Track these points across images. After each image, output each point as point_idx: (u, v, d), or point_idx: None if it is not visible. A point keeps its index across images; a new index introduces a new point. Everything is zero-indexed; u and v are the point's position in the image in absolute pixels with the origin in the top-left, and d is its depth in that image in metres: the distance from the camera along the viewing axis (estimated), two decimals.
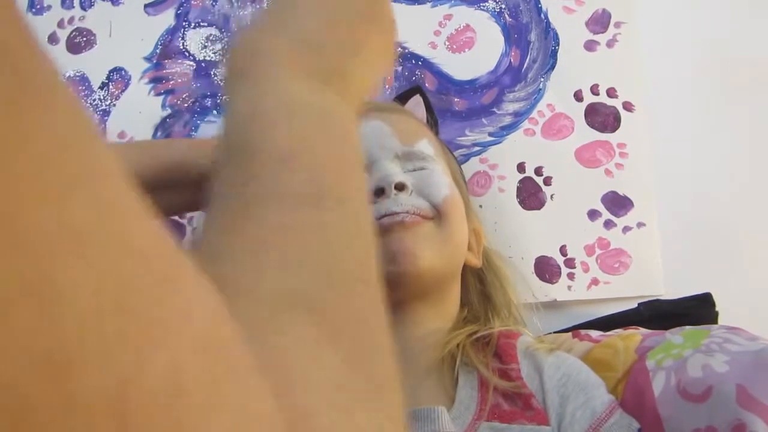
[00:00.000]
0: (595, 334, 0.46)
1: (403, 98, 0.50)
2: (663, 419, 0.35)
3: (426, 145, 0.44)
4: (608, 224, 0.55)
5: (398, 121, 0.44)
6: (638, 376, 0.39)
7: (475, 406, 0.37)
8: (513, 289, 0.46)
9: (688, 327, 0.41)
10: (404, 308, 0.40)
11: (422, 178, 0.42)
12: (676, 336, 0.40)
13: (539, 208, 0.56)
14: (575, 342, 0.46)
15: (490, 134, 0.57)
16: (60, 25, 0.61)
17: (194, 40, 0.61)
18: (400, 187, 0.40)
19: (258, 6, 0.61)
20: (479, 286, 0.45)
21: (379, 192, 0.40)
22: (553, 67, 0.58)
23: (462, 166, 0.55)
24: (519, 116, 0.57)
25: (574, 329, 0.49)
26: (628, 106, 0.57)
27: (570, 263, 0.54)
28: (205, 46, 0.60)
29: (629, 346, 0.41)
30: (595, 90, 0.58)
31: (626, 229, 0.55)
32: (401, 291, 0.38)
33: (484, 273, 0.45)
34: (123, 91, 0.60)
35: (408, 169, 0.42)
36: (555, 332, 0.50)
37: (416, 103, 0.49)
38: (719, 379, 0.34)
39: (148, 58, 0.60)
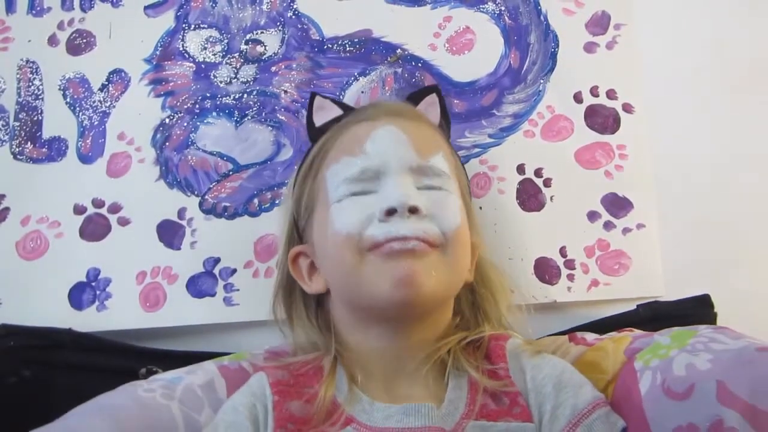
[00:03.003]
0: (590, 337, 0.48)
1: (417, 97, 0.49)
2: (648, 418, 0.36)
3: (442, 160, 0.43)
4: (608, 225, 0.57)
5: (415, 129, 0.43)
6: (626, 376, 0.40)
7: (464, 406, 0.40)
8: (505, 300, 0.46)
9: (676, 328, 0.42)
10: (398, 324, 0.41)
11: (436, 201, 0.41)
12: (663, 337, 0.41)
13: (539, 210, 0.57)
14: (571, 346, 0.47)
15: (490, 136, 0.59)
16: (60, 26, 0.62)
17: (194, 41, 0.62)
18: (414, 210, 0.40)
19: (258, 7, 0.62)
20: (471, 296, 0.46)
21: (391, 211, 0.39)
22: (552, 69, 0.59)
23: None
24: (519, 118, 0.59)
25: (573, 331, 0.51)
26: (627, 108, 0.59)
27: (570, 264, 0.56)
28: (205, 48, 0.62)
29: (618, 348, 0.43)
30: (594, 92, 0.59)
31: (626, 230, 0.56)
32: (400, 314, 0.40)
33: (476, 285, 0.46)
34: (122, 92, 0.61)
35: (422, 185, 0.41)
36: (553, 334, 0.52)
37: (430, 103, 0.49)
38: (701, 376, 0.35)
39: (147, 60, 0.61)
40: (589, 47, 0.60)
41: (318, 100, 0.49)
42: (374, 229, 0.40)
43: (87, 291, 0.57)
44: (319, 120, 0.48)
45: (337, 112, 0.48)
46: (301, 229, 0.46)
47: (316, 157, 0.46)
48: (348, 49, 0.60)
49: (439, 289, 0.40)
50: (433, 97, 0.49)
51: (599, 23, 0.60)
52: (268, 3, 0.62)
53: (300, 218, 0.46)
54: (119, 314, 0.56)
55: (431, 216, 0.40)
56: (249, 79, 0.60)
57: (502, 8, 0.61)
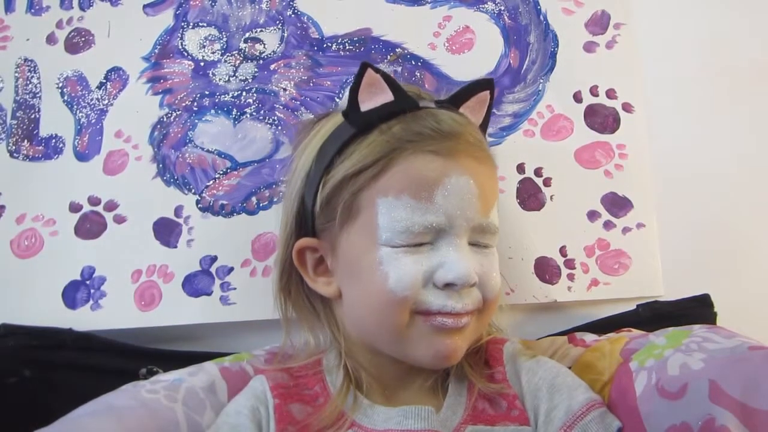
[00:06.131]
0: (589, 338, 0.50)
1: (469, 92, 0.44)
2: (643, 418, 0.38)
3: (496, 215, 0.43)
4: (608, 225, 0.58)
5: (484, 175, 0.42)
6: (622, 377, 0.42)
7: (463, 411, 0.42)
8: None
9: (671, 328, 0.44)
10: None
11: (485, 265, 0.41)
12: (659, 338, 0.44)
13: (539, 209, 0.59)
14: (570, 347, 0.50)
15: (490, 135, 0.61)
16: (59, 25, 0.65)
17: (193, 40, 0.64)
18: (472, 285, 0.40)
19: (257, 6, 0.64)
20: None
21: (449, 285, 0.39)
22: (552, 69, 0.62)
23: None
24: (518, 117, 0.61)
25: (573, 331, 0.52)
26: (627, 107, 0.61)
27: (570, 264, 0.58)
28: (204, 46, 0.64)
29: (615, 349, 0.45)
30: (594, 91, 0.61)
31: (626, 230, 0.58)
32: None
33: None
34: (120, 90, 0.63)
35: (474, 241, 0.41)
36: (553, 334, 0.53)
37: (482, 100, 0.45)
38: (694, 376, 0.37)
39: (146, 58, 0.64)
40: (589, 47, 0.62)
41: (369, 74, 0.42)
42: (429, 295, 0.39)
43: (81, 290, 0.58)
44: (365, 100, 0.42)
45: (387, 96, 0.42)
46: (319, 226, 0.44)
47: (366, 168, 0.41)
48: (347, 47, 0.63)
49: (467, 347, 0.42)
50: (485, 95, 0.45)
51: (599, 23, 0.63)
52: (267, 1, 0.64)
53: (322, 216, 0.43)
54: (113, 313, 0.57)
55: (479, 283, 0.40)
56: (248, 77, 0.62)
57: (502, 8, 0.63)
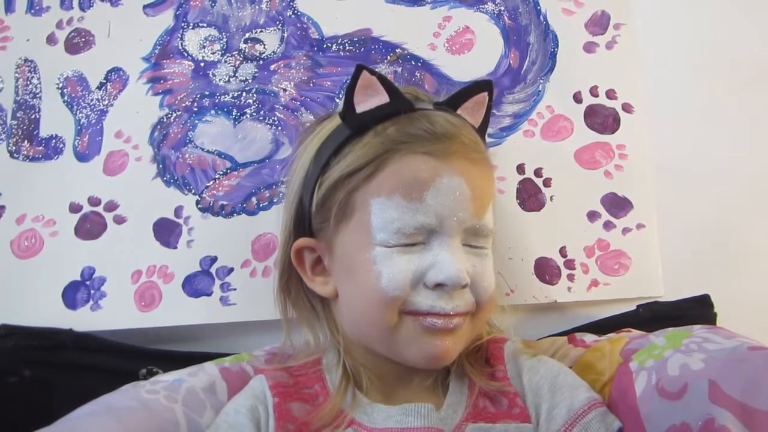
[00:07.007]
0: (589, 338, 0.50)
1: (468, 93, 0.44)
2: (643, 418, 0.38)
3: (491, 217, 0.43)
4: (608, 225, 0.59)
5: (478, 177, 0.42)
6: (623, 377, 0.42)
7: (463, 409, 0.42)
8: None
9: (671, 329, 0.45)
10: None
11: (478, 267, 0.41)
12: (659, 338, 0.44)
13: (539, 210, 0.59)
14: (570, 348, 0.50)
15: (490, 135, 0.61)
16: (59, 26, 0.65)
17: (193, 40, 0.64)
18: (463, 287, 0.40)
19: (257, 6, 0.64)
20: None
21: (440, 285, 0.39)
22: (552, 69, 0.62)
23: None
24: (518, 118, 0.61)
25: (573, 332, 0.52)
26: (627, 108, 0.61)
27: (570, 264, 0.58)
28: (204, 46, 0.64)
29: (615, 349, 0.45)
30: (594, 91, 0.61)
31: (626, 230, 0.59)
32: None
33: None
34: (120, 90, 0.63)
35: (468, 243, 0.41)
36: (553, 335, 0.53)
37: (480, 101, 0.44)
38: (694, 376, 0.37)
39: (146, 59, 0.64)
40: (589, 47, 0.62)
41: (364, 76, 0.42)
42: (419, 295, 0.40)
43: (81, 290, 0.58)
44: (360, 102, 0.42)
45: (383, 97, 0.42)
46: (316, 226, 0.44)
47: (360, 168, 0.41)
48: (347, 48, 0.63)
49: (461, 349, 0.42)
50: (484, 96, 0.45)
51: (599, 23, 0.63)
52: (267, 2, 0.64)
53: (318, 216, 0.44)
54: (113, 314, 0.57)
55: (471, 284, 0.41)
56: (248, 78, 0.63)
57: (502, 8, 0.63)
